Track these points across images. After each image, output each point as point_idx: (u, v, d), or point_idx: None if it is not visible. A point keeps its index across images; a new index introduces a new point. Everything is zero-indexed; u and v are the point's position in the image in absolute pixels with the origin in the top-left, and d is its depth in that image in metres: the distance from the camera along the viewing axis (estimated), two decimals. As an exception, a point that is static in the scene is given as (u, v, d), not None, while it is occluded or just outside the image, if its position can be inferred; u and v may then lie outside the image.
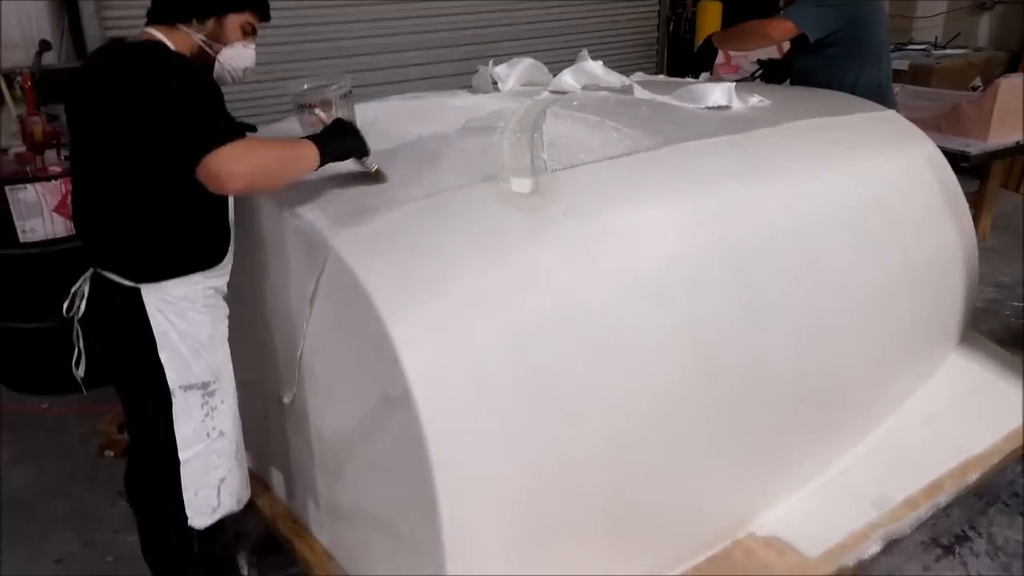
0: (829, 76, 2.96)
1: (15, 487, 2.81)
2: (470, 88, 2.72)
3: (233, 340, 1.89)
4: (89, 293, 1.81)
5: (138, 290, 1.73)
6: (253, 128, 1.94)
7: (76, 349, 1.90)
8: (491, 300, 1.67)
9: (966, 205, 2.69)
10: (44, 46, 3.29)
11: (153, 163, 1.65)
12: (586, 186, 1.91)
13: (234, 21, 1.76)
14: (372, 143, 2.08)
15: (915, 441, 2.43)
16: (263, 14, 1.87)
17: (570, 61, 2.73)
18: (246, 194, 1.76)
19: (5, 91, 3.32)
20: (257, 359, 2.08)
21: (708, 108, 2.42)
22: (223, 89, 1.71)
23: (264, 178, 1.67)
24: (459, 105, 2.45)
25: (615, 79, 2.60)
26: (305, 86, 2.00)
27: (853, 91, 2.91)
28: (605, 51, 5.77)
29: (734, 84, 2.51)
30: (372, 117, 2.27)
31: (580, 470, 1.74)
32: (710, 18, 6.18)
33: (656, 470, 1.88)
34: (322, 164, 1.75)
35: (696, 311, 1.91)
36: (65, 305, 1.83)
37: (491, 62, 2.66)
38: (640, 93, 2.51)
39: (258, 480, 2.30)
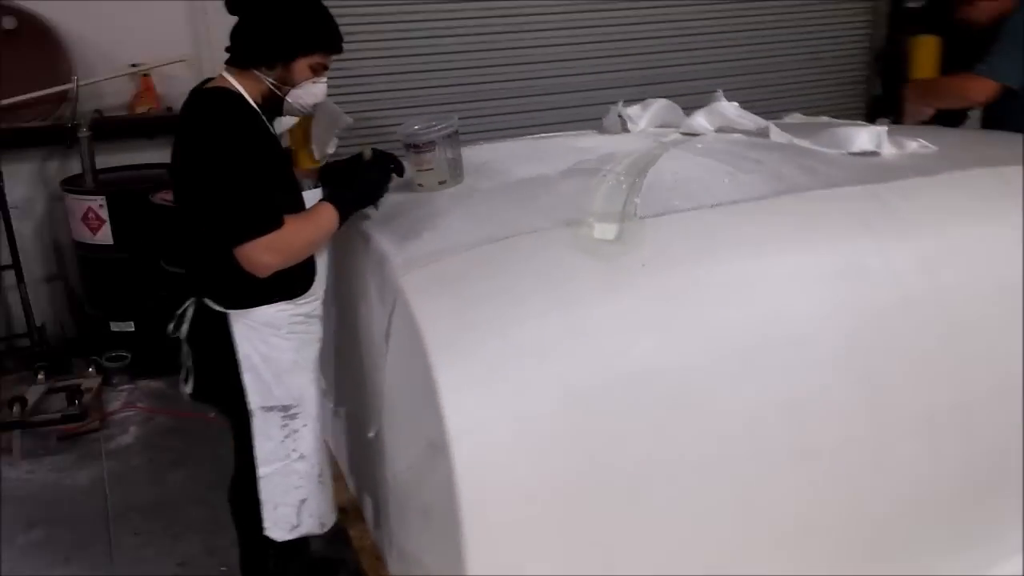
0: None
1: (165, 489, 3.06)
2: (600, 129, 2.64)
3: (337, 366, 1.93)
4: (193, 315, 1.94)
5: (227, 315, 1.83)
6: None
7: (184, 367, 2.03)
8: (549, 352, 1.57)
9: None
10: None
11: None
12: (675, 236, 1.75)
13: (302, 64, 1.80)
14: (476, 182, 2.08)
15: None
16: (332, 51, 1.86)
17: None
18: None
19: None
20: (352, 388, 2.12)
21: (852, 154, 2.16)
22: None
23: (293, 260, 1.79)
24: (578, 146, 2.37)
25: (750, 121, 2.40)
26: (415, 127, 2.04)
27: None
28: (806, 93, 5.43)
29: (886, 127, 2.22)
30: (484, 159, 2.26)
31: (638, 555, 1.58)
32: (925, 54, 5.59)
33: (733, 564, 1.66)
34: (344, 219, 1.84)
35: (795, 383, 1.68)
36: (170, 327, 1.96)
37: (621, 102, 2.56)
38: (776, 136, 2.29)
39: (356, 509, 2.34)
